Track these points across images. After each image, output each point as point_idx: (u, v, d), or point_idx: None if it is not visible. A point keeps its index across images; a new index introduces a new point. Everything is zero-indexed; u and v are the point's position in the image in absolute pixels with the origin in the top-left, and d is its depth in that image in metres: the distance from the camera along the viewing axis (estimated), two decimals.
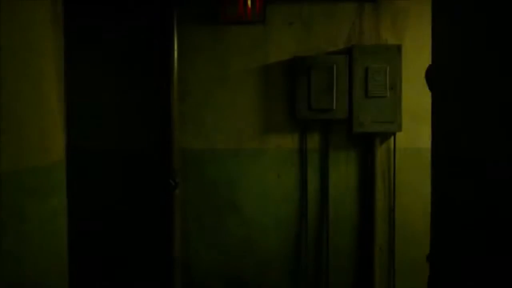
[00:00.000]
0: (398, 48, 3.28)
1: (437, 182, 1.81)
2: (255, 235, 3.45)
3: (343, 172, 3.43)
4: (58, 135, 2.27)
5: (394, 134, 3.38)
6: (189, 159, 3.42)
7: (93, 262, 3.41)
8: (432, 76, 1.86)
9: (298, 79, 3.31)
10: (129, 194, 3.41)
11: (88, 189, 3.37)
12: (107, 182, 3.41)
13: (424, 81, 3.43)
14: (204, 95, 3.42)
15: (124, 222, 3.41)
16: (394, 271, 3.42)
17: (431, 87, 2.70)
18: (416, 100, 3.38)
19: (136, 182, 3.41)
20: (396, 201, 3.40)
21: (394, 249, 3.41)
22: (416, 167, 3.41)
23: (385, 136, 3.40)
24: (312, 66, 3.28)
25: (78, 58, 3.33)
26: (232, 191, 3.43)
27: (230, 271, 3.45)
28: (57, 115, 2.23)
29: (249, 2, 3.28)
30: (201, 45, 3.40)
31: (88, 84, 3.39)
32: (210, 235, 3.44)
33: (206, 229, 3.44)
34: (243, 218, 3.44)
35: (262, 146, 3.42)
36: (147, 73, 3.39)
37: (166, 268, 3.30)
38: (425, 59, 3.40)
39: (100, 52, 3.40)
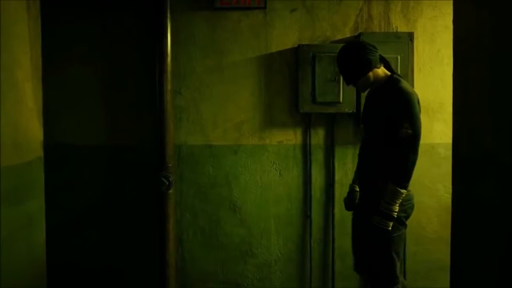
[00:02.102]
0: (410, 36, 3.08)
1: (459, 183, 1.71)
2: (255, 237, 3.26)
3: (350, 169, 3.22)
4: (35, 130, 2.05)
5: None
6: (184, 156, 3.21)
7: (81, 264, 3.20)
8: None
9: (302, 69, 3.09)
10: (120, 192, 3.20)
11: (76, 187, 3.15)
12: (96, 180, 3.19)
13: (435, 72, 3.24)
14: (200, 88, 3.21)
15: (113, 223, 3.21)
16: (404, 274, 3.23)
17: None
18: (429, 92, 3.23)
19: (127, 180, 3.20)
20: None
21: (405, 251, 3.21)
22: (428, 164, 3.23)
23: None
24: (316, 56, 3.06)
25: (66, 49, 3.10)
26: (230, 190, 3.24)
27: (228, 275, 3.27)
28: (33, 108, 2.01)
29: None
30: (197, 34, 3.18)
31: (77, 77, 3.15)
32: (206, 236, 3.25)
33: (202, 230, 3.25)
34: (242, 219, 3.25)
35: (263, 142, 3.22)
36: (139, 65, 3.17)
37: (159, 272, 3.10)
38: (439, 48, 3.21)
39: (88, 43, 3.15)
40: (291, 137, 3.22)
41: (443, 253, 3.15)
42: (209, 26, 3.18)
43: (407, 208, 2.28)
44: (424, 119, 3.19)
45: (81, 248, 3.19)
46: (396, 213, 2.18)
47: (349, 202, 2.60)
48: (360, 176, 2.48)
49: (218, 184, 3.23)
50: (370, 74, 2.34)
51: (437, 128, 3.21)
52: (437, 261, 3.20)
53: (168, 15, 3.05)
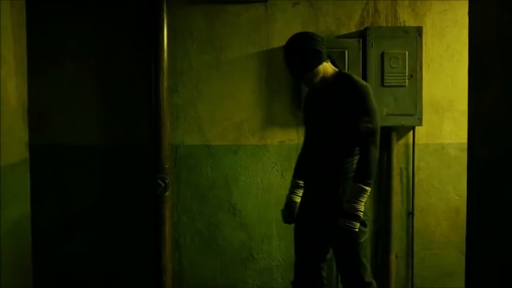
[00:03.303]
0: (419, 31, 2.96)
1: (475, 184, 1.61)
2: (256, 241, 3.15)
3: None
4: (19, 130, 1.92)
5: (413, 128, 3.07)
6: (181, 156, 3.09)
7: (73, 270, 3.08)
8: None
9: None
10: (114, 195, 3.08)
11: (68, 188, 3.02)
12: (89, 182, 3.06)
13: (445, 69, 3.10)
14: (198, 85, 3.08)
15: (107, 226, 3.09)
16: (412, 281, 3.12)
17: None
18: (439, 90, 3.11)
19: (122, 182, 3.08)
20: (415, 204, 3.10)
21: (413, 256, 3.13)
22: (438, 165, 3.12)
23: (403, 130, 3.10)
24: None
25: (58, 46, 2.99)
26: (229, 192, 3.12)
27: (228, 281, 3.15)
28: (17, 106, 1.88)
29: None
30: (194, 28, 3.06)
31: (69, 75, 3.02)
32: (205, 240, 3.13)
33: (200, 234, 3.13)
34: (242, 222, 3.14)
35: (264, 141, 3.10)
36: (134, 61, 3.05)
37: (155, 277, 2.98)
38: (449, 43, 3.06)
39: (81, 39, 3.03)
40: (294, 137, 3.10)
41: (453, 258, 3.05)
42: (207, 20, 3.06)
43: (367, 210, 2.13)
44: (433, 118, 3.09)
45: (73, 253, 3.07)
46: (362, 213, 2.04)
47: (289, 215, 2.37)
48: (313, 184, 2.26)
49: (217, 186, 3.11)
50: (320, 68, 2.13)
51: (446, 128, 3.09)
52: (447, 267, 3.08)
53: (165, 8, 2.95)
